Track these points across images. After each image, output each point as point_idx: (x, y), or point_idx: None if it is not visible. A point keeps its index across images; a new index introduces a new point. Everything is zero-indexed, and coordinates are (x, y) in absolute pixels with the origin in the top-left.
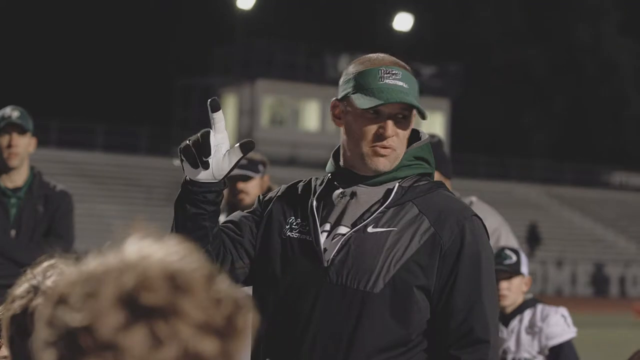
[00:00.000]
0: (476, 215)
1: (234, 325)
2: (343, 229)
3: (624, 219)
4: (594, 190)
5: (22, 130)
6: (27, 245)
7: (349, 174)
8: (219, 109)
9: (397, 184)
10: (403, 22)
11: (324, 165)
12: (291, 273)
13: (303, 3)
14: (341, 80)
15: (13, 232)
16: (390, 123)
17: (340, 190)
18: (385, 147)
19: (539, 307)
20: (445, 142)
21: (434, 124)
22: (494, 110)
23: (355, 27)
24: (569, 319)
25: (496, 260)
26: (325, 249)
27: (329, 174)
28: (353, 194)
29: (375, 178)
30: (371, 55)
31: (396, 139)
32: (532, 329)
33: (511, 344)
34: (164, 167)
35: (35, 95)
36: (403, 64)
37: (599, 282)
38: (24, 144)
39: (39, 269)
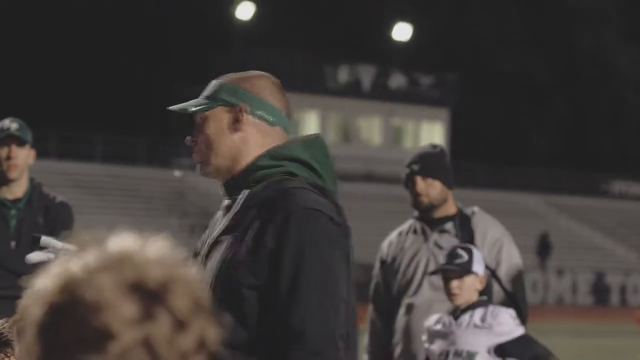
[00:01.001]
0: (311, 208)
1: (207, 308)
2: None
3: (624, 228)
4: (594, 199)
5: (20, 142)
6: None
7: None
8: (39, 241)
9: (246, 192)
10: (402, 31)
11: None
12: None
13: (302, 13)
14: None
15: (13, 244)
16: (194, 131)
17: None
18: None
19: (491, 306)
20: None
21: (434, 133)
22: (494, 119)
23: (354, 36)
24: (517, 320)
25: (447, 259)
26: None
27: None
28: (224, 206)
29: (232, 186)
30: None
31: (197, 144)
32: (482, 324)
33: (458, 338)
34: (163, 178)
35: (33, 105)
36: (231, 75)
37: (600, 291)
38: (23, 156)
39: None
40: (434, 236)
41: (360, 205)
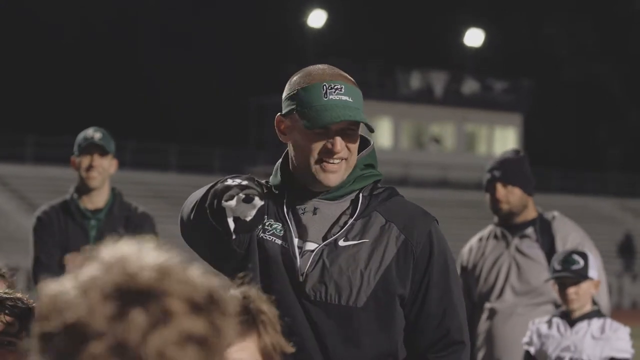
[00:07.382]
0: (436, 219)
1: (216, 302)
2: (311, 245)
3: None
4: None
5: (103, 152)
6: None
7: (301, 190)
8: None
9: (360, 195)
10: (474, 37)
11: (397, 182)
12: (267, 277)
13: (373, 20)
14: (285, 93)
15: None
16: (338, 139)
17: (301, 205)
18: (333, 163)
19: (608, 320)
20: None
21: (507, 138)
22: (567, 125)
23: (426, 43)
24: (631, 340)
25: (564, 265)
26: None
27: (273, 187)
28: (315, 210)
29: (332, 192)
30: (312, 67)
31: (346, 152)
32: (601, 335)
33: (573, 345)
34: None
35: (111, 116)
36: (345, 75)
37: None
38: (105, 165)
39: None
40: (515, 241)
41: (434, 211)
